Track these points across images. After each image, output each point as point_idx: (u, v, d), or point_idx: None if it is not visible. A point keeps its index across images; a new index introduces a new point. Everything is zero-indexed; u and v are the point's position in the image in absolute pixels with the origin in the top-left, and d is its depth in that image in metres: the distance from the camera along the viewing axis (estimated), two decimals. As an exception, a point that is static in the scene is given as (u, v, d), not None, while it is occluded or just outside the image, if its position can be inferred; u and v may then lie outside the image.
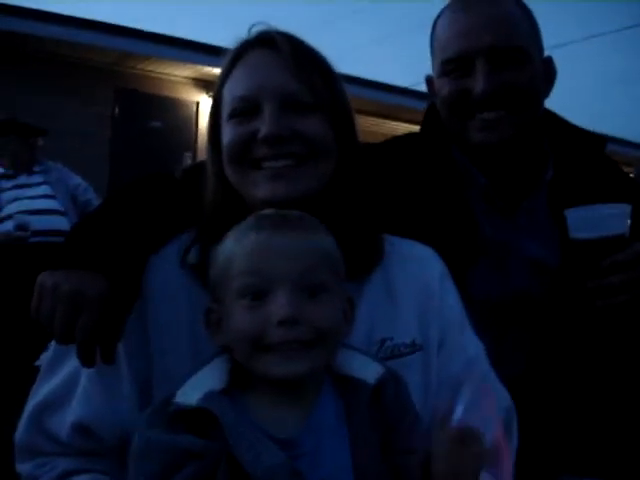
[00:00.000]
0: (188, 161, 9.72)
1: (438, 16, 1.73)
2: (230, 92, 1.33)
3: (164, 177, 1.48)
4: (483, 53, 1.60)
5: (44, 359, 1.37)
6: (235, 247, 1.11)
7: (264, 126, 1.26)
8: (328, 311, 1.08)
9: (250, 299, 1.07)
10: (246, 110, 1.29)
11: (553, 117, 1.81)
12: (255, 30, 1.36)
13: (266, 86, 1.28)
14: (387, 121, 11.20)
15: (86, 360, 1.19)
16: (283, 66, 1.29)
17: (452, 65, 1.64)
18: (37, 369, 1.34)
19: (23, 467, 1.32)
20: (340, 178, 1.33)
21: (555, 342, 1.67)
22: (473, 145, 1.65)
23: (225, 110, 1.33)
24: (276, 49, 1.30)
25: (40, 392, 1.34)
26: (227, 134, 1.32)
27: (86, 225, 1.32)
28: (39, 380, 1.35)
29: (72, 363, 1.28)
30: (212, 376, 1.10)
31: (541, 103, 1.71)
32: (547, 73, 1.71)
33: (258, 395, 1.09)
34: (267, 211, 1.17)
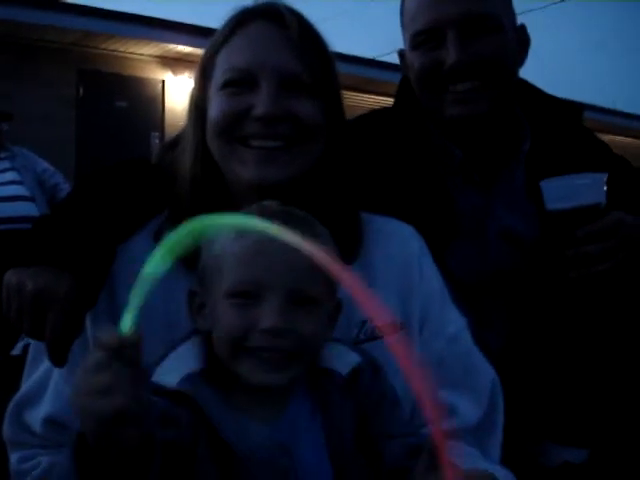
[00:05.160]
0: (156, 141, 9.63)
1: None
2: (226, 61, 1.28)
3: (136, 163, 1.44)
4: (454, 23, 1.57)
5: (19, 347, 1.35)
6: (233, 242, 1.07)
7: (261, 104, 1.23)
8: (315, 324, 1.06)
9: (240, 299, 1.05)
10: (242, 82, 1.25)
11: (526, 86, 1.80)
12: (260, 1, 1.32)
13: (267, 61, 1.24)
14: (354, 93, 11.16)
15: (56, 360, 1.18)
16: (287, 44, 1.25)
17: (423, 37, 1.61)
18: (13, 358, 1.32)
19: (11, 457, 1.32)
20: (326, 160, 1.31)
21: (534, 313, 1.67)
22: (448, 119, 1.63)
23: (217, 79, 1.28)
24: (282, 24, 1.26)
25: (23, 385, 1.34)
26: (217, 105, 1.27)
27: (52, 218, 1.29)
28: (25, 374, 1.36)
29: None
30: (190, 356, 1.09)
31: (515, 72, 1.69)
32: (520, 41, 1.69)
33: (234, 381, 1.08)
34: (271, 207, 1.12)
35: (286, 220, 1.07)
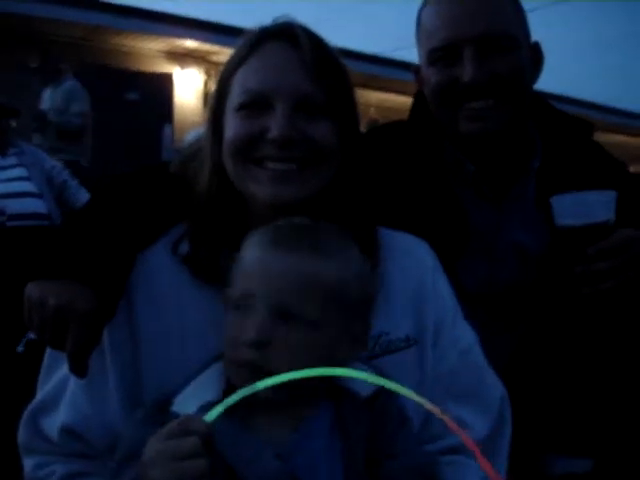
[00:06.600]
0: (169, 131, 9.56)
1: (423, 5, 1.71)
2: (242, 82, 1.28)
3: (155, 171, 1.45)
4: (470, 41, 1.58)
5: (25, 344, 1.37)
6: (254, 264, 1.13)
7: (276, 127, 1.23)
8: (295, 341, 1.08)
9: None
10: (256, 105, 1.26)
11: (540, 102, 1.81)
12: (277, 22, 1.32)
13: (281, 84, 1.25)
14: (358, 90, 11.07)
15: (78, 371, 1.20)
16: (301, 65, 1.25)
17: (439, 54, 1.62)
18: (19, 354, 1.34)
19: (25, 462, 1.34)
20: (342, 178, 1.32)
21: (543, 328, 1.69)
22: (462, 135, 1.65)
23: (233, 99, 1.29)
24: (297, 45, 1.26)
25: (39, 393, 1.36)
26: (233, 126, 1.28)
27: (70, 228, 1.30)
28: (40, 381, 1.37)
29: (65, 366, 1.28)
30: (208, 385, 1.11)
31: (529, 90, 1.69)
32: (535, 59, 1.70)
33: (254, 406, 1.09)
34: (301, 222, 1.18)
35: (294, 244, 1.11)
